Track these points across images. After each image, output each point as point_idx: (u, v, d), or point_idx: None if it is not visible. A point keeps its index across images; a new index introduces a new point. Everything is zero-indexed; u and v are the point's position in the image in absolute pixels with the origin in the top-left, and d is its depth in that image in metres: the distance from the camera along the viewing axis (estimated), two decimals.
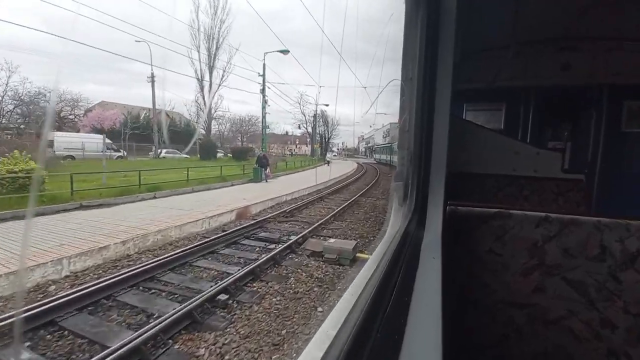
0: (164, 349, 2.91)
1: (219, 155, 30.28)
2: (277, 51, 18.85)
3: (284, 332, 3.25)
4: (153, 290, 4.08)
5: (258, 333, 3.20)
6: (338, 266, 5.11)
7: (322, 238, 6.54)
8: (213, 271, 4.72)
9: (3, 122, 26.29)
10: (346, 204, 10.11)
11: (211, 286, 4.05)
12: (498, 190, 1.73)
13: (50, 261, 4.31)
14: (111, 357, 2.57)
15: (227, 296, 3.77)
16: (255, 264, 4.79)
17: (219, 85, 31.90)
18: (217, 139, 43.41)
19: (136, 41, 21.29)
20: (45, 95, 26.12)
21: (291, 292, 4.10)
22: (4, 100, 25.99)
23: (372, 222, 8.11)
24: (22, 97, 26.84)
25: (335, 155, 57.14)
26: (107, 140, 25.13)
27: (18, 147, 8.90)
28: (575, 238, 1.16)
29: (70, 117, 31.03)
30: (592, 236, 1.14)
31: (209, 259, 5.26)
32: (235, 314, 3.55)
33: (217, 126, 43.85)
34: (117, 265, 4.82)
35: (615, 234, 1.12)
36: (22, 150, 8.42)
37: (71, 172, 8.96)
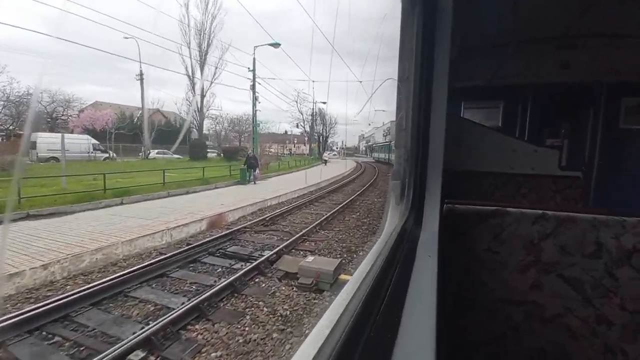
0: None
1: (212, 155, 29.27)
2: (268, 44, 17.88)
3: None
4: (54, 340, 3.02)
5: None
6: (314, 294, 4.06)
7: (301, 254, 5.48)
8: (150, 305, 3.66)
9: None
10: (337, 208, 9.03)
11: (134, 333, 3.00)
12: (495, 188, 1.72)
13: None
14: None
15: (142, 355, 2.70)
16: (209, 293, 3.75)
17: (211, 82, 30.81)
18: (214, 139, 42.42)
19: (125, 38, 20.40)
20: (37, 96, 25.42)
21: (240, 341, 3.02)
22: None
23: (364, 232, 7.02)
24: (9, 98, 26.15)
25: (335, 155, 55.93)
26: (94, 141, 24.29)
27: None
28: (571, 235, 1.14)
29: (63, 117, 30.37)
30: (588, 233, 1.12)
31: (153, 285, 4.21)
32: None
33: (214, 126, 42.91)
34: (29, 298, 3.78)
35: (611, 230, 1.10)
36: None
37: (21, 177, 7.90)
